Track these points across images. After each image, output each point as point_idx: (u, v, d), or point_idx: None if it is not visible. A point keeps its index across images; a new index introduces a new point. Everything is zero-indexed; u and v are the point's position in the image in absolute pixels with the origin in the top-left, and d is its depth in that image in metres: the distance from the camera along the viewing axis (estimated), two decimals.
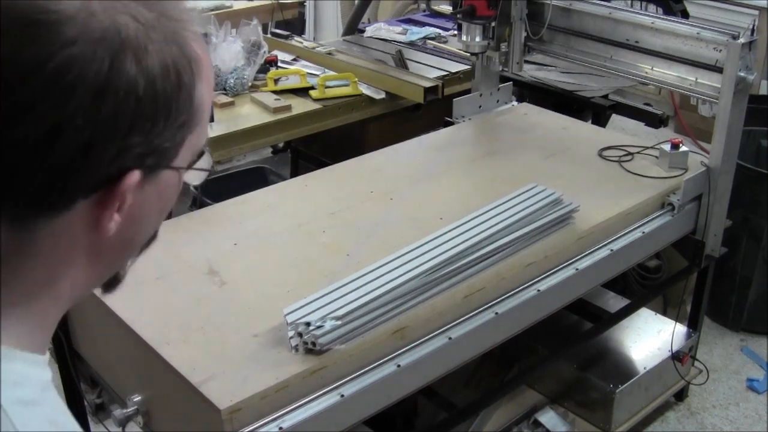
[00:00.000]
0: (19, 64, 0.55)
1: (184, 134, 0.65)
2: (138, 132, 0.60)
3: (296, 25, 4.79)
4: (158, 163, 0.64)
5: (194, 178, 0.70)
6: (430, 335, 1.73)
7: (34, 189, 0.58)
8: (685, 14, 3.02)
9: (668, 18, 2.60)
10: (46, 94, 0.56)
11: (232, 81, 2.91)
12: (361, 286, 1.67)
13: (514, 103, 2.93)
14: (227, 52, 2.92)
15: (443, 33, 3.70)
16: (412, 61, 3.29)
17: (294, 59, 3.28)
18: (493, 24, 2.65)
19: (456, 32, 3.16)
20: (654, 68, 2.46)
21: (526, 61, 2.91)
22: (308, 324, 1.55)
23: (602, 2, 2.61)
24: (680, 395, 2.76)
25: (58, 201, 0.60)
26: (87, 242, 0.64)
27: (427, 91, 2.88)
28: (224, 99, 2.85)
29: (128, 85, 0.58)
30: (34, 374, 0.64)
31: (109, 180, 0.61)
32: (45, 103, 0.56)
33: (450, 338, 1.75)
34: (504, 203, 2.02)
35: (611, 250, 2.11)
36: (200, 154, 0.70)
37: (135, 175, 0.61)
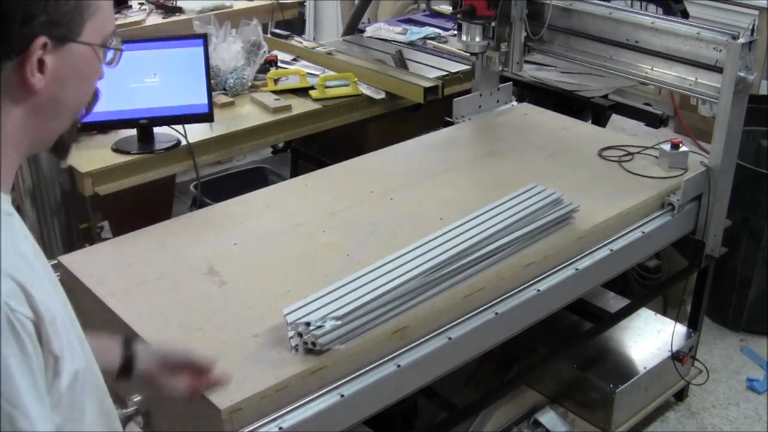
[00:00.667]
0: None
1: (82, 15, 0.87)
2: (35, 4, 0.82)
3: (296, 25, 4.79)
4: (65, 36, 0.86)
5: (108, 56, 0.95)
6: (430, 335, 1.73)
7: None
8: (685, 14, 3.02)
9: (668, 18, 2.61)
10: None
11: (232, 81, 2.91)
12: (361, 286, 1.67)
13: (514, 103, 2.93)
14: (227, 52, 2.92)
15: (443, 33, 3.70)
16: (412, 61, 3.29)
17: (294, 59, 3.28)
18: (493, 24, 2.65)
19: (456, 32, 3.16)
20: (654, 68, 2.46)
21: (526, 61, 2.91)
22: (308, 324, 1.55)
23: (602, 2, 2.61)
24: (680, 395, 2.76)
25: None
26: (21, 97, 0.86)
27: (427, 91, 2.88)
28: (224, 99, 2.84)
29: None
30: None
31: (25, 46, 0.83)
32: None
33: (450, 338, 1.74)
34: (504, 203, 2.02)
35: (611, 250, 2.11)
36: (118, 49, 0.95)
37: (42, 39, 0.84)
